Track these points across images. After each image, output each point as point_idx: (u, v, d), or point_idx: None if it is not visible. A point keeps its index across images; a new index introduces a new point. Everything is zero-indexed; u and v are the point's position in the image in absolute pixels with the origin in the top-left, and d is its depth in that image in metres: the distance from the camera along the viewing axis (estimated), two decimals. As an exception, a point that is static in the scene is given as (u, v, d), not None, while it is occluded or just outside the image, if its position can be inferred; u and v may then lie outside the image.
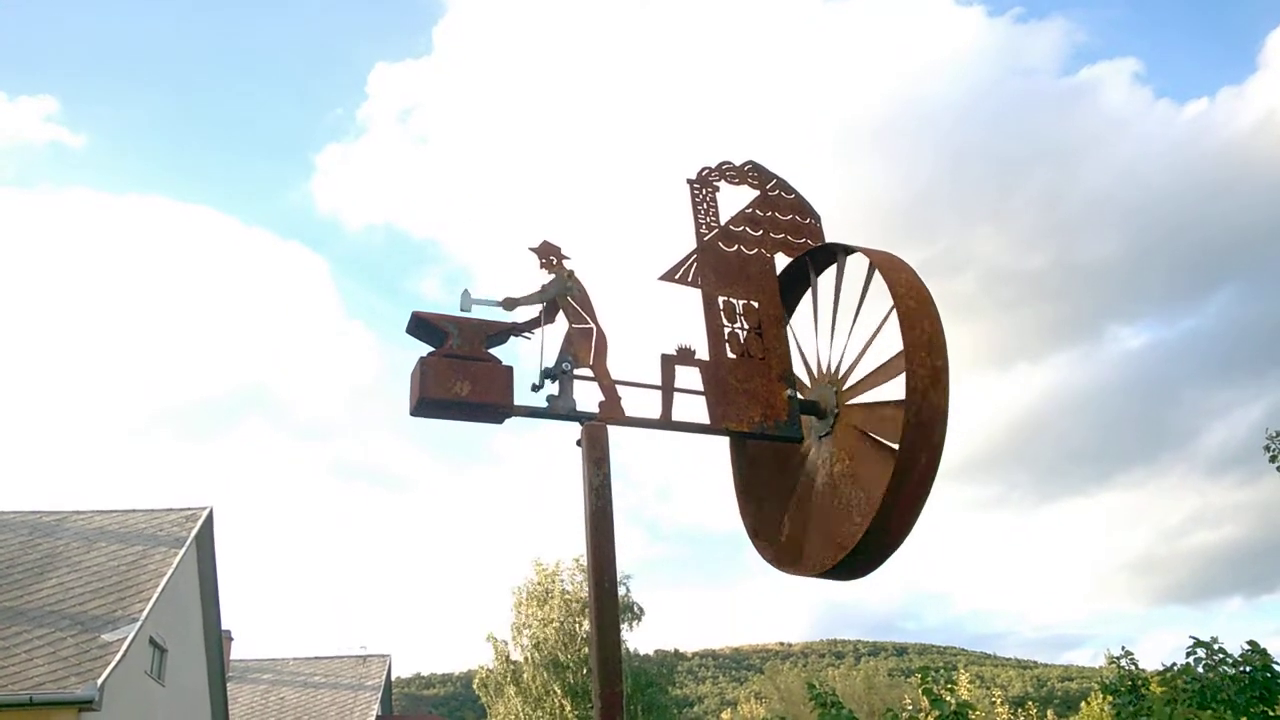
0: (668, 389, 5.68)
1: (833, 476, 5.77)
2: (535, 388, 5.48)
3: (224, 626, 25.84)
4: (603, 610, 4.88)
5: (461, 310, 5.47)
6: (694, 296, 6.12)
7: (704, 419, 5.70)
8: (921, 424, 5.17)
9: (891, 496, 5.20)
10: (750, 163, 6.76)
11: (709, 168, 6.61)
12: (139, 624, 17.88)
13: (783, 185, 6.76)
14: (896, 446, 5.25)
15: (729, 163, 6.70)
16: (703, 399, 5.74)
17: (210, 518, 23.24)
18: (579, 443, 5.32)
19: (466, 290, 5.49)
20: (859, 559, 5.49)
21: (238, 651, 34.12)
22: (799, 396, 6.00)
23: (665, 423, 5.59)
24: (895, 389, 5.59)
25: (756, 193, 6.65)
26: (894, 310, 5.49)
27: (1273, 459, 7.93)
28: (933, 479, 5.27)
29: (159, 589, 19.39)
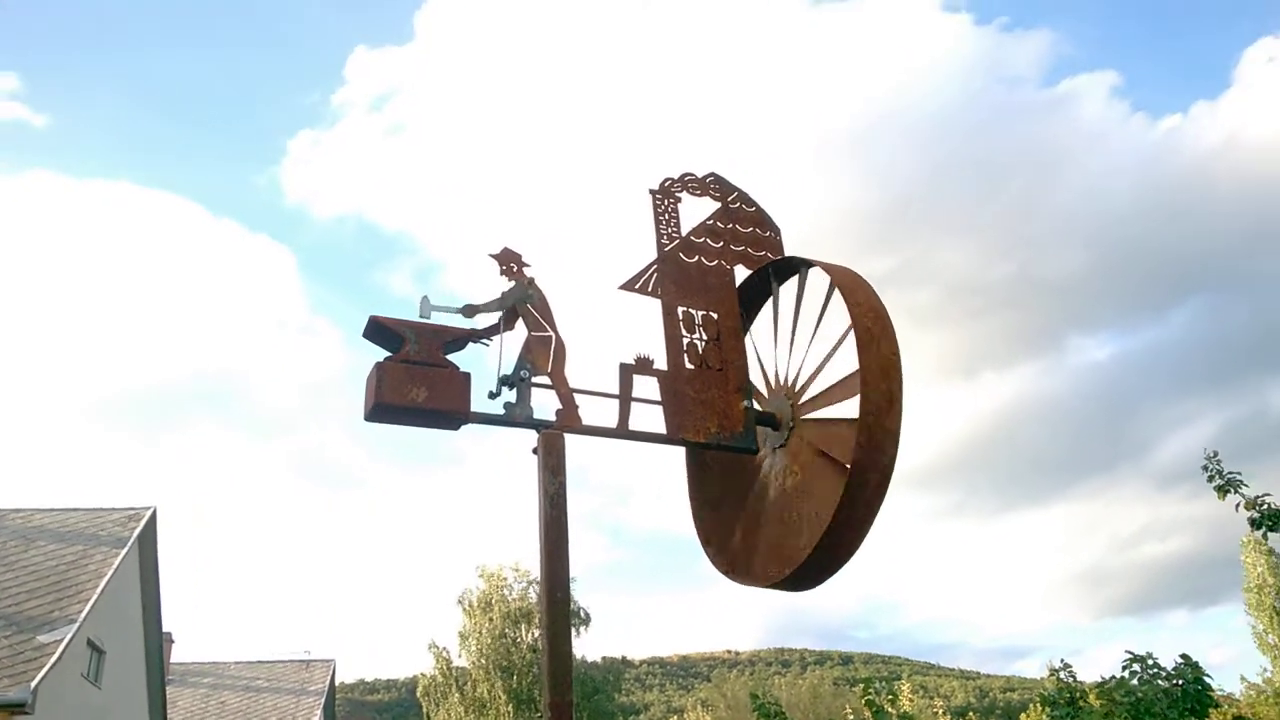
0: (625, 398, 5.68)
1: (785, 490, 5.80)
2: (492, 395, 5.46)
3: (165, 629, 25.34)
4: (555, 620, 4.85)
5: (420, 316, 5.43)
6: (654, 306, 6.13)
7: (661, 429, 5.70)
8: (873, 446, 5.22)
9: (841, 515, 5.24)
10: (712, 174, 6.79)
11: (671, 178, 6.63)
12: (77, 625, 17.49)
13: (744, 198, 6.79)
14: (848, 465, 5.30)
15: (691, 174, 6.72)
16: (660, 408, 5.75)
17: (154, 518, 22.83)
18: (535, 450, 5.30)
19: (426, 297, 5.47)
20: (807, 573, 5.55)
21: (179, 654, 33.46)
22: (755, 408, 6.03)
23: (622, 432, 5.59)
24: (850, 408, 5.65)
25: (718, 204, 6.69)
26: (851, 330, 5.54)
27: (1210, 479, 8.06)
28: (882, 499, 5.32)
29: (98, 590, 18.99)
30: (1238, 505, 7.72)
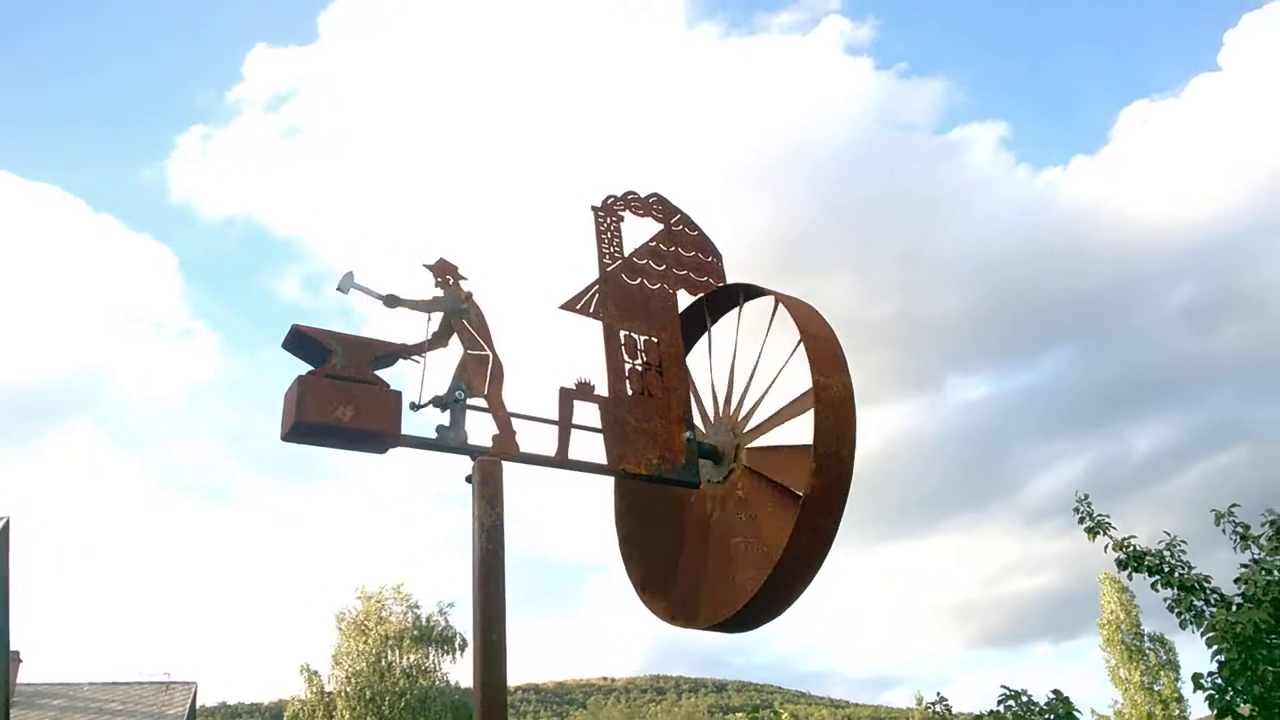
0: (565, 425, 5.34)
1: (728, 526, 5.55)
2: (415, 407, 5.03)
3: (12, 647, 23.60)
4: (489, 662, 4.45)
5: (339, 289, 5.06)
6: (594, 328, 5.83)
7: (600, 458, 5.39)
8: (831, 479, 5.05)
9: (792, 548, 5.03)
10: (655, 195, 6.53)
11: (614, 196, 6.35)
12: (-86, 644, 16.04)
13: (686, 220, 6.56)
14: (801, 494, 5.09)
15: (634, 193, 6.45)
16: (599, 436, 5.43)
17: (6, 529, 21.23)
18: (469, 479, 4.91)
19: (351, 272, 5.07)
20: (754, 611, 5.31)
21: (26, 674, 31.21)
22: (697, 440, 5.77)
23: (561, 461, 5.25)
24: (795, 434, 5.48)
25: (660, 225, 6.43)
26: (804, 354, 5.40)
27: (1081, 520, 8.22)
28: (835, 531, 5.13)
29: (-59, 605, 17.50)
30: (1106, 546, 7.89)
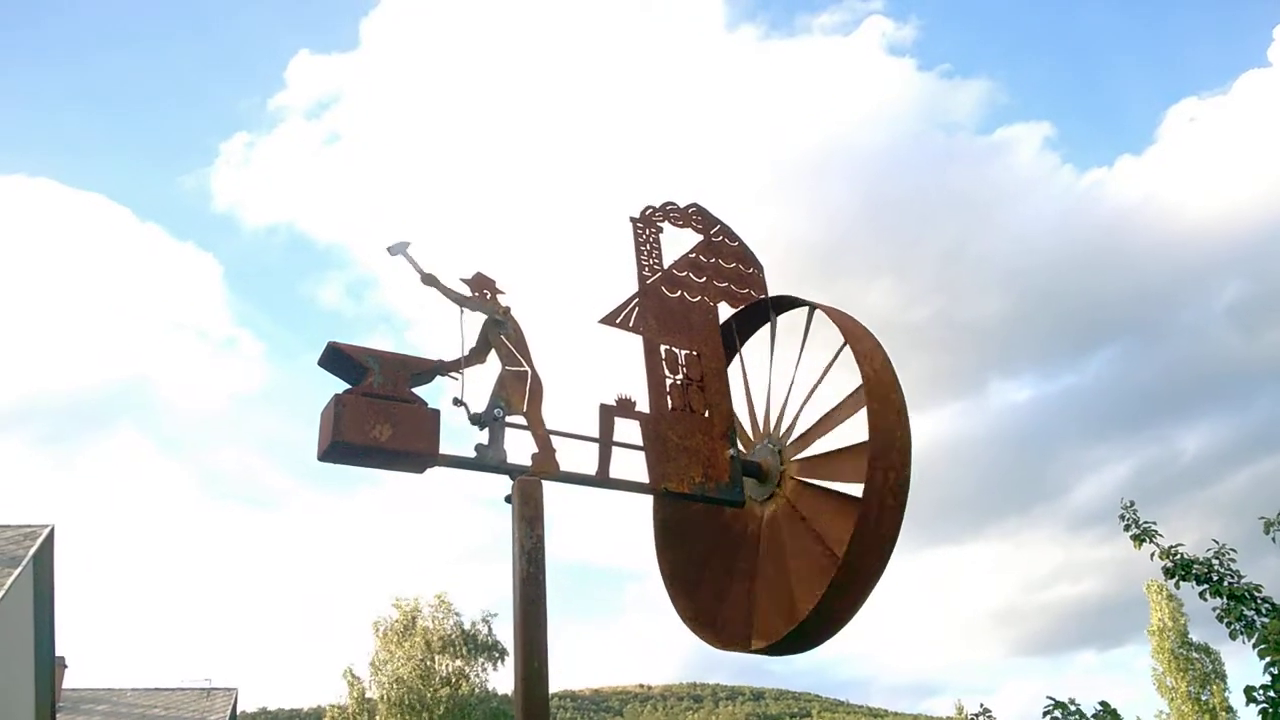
0: (606, 442, 5.21)
1: (778, 544, 5.40)
2: (457, 401, 4.93)
3: (58, 653, 23.87)
4: (529, 694, 4.32)
5: (389, 250, 5.06)
6: (635, 343, 5.70)
7: (642, 475, 5.26)
8: (887, 491, 4.90)
9: (849, 565, 4.89)
10: (694, 205, 6.41)
11: (653, 207, 6.22)
12: (-39, 653, 16.23)
13: (726, 231, 6.42)
14: (859, 493, 4.96)
15: (673, 203, 6.33)
16: (641, 454, 5.30)
17: (51, 536, 21.48)
18: (509, 499, 4.80)
19: (408, 241, 5.10)
20: (819, 621, 5.15)
21: (72, 680, 31.60)
22: (741, 457, 5.62)
23: (602, 480, 5.12)
24: (844, 440, 5.36)
25: (700, 236, 6.30)
26: (844, 363, 5.29)
27: (1127, 528, 8.00)
28: (893, 547, 4.99)
29: (-13, 613, 17.73)
30: (1153, 555, 7.66)
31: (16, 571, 19.59)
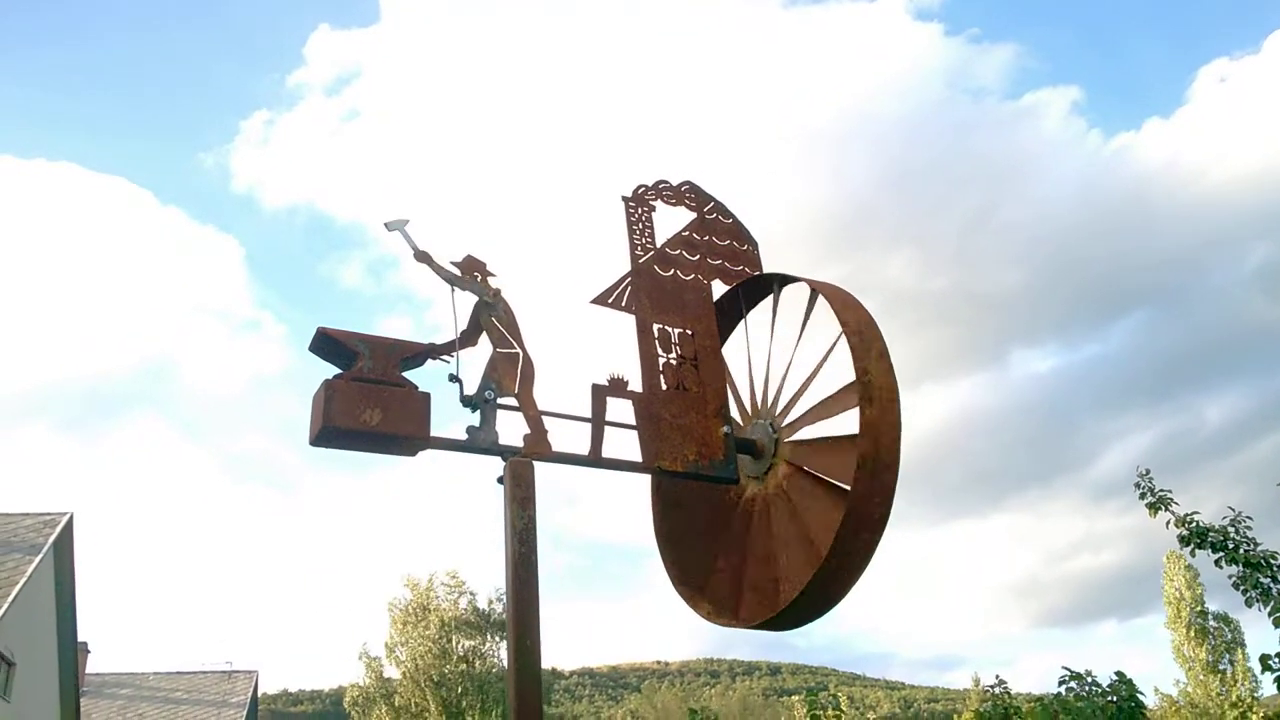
0: (598, 422, 5.23)
1: (770, 521, 5.41)
2: (453, 378, 4.96)
3: (81, 638, 24.23)
4: (522, 670, 4.37)
5: (386, 226, 5.10)
6: (627, 322, 5.70)
7: (636, 455, 5.27)
8: (878, 469, 4.88)
9: (840, 544, 4.88)
10: (688, 183, 6.38)
11: (645, 185, 6.20)
12: (-16, 638, 16.50)
13: (720, 208, 6.40)
14: (848, 487, 4.94)
15: (666, 182, 6.30)
16: (634, 434, 5.32)
17: (70, 523, 21.76)
18: (501, 480, 4.82)
19: (408, 220, 5.16)
20: (800, 609, 5.16)
21: (95, 665, 32.06)
22: (734, 434, 5.63)
23: (595, 460, 5.14)
24: (838, 426, 5.33)
25: (693, 214, 6.28)
26: (844, 345, 5.24)
27: (1142, 496, 7.97)
28: (884, 526, 4.97)
29: (10, 599, 18.04)
30: (1168, 522, 7.62)
31: (37, 559, 19.87)
